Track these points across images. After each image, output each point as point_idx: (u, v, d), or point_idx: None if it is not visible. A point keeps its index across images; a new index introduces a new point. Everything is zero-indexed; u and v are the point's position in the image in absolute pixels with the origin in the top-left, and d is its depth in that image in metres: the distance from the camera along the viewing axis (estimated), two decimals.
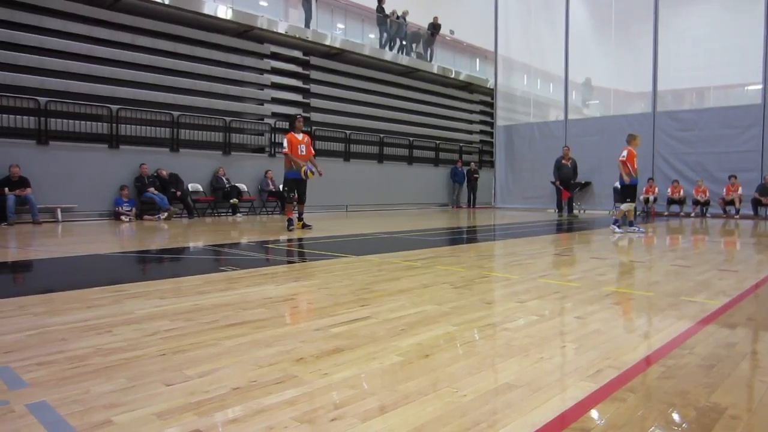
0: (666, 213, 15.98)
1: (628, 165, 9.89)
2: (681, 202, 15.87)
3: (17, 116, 11.42)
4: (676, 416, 2.00)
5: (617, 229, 9.88)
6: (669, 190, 15.99)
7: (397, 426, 1.87)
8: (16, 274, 5.59)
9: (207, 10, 14.33)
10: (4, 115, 11.25)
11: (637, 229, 10.01)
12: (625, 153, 9.98)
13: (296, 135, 9.60)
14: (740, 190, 14.85)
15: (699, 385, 2.30)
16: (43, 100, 11.74)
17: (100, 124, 12.59)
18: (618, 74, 18.62)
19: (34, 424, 1.84)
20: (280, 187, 15.22)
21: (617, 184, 16.38)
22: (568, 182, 15.59)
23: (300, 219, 9.93)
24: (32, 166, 11.27)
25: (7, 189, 10.61)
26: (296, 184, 9.62)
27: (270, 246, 7.83)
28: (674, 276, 5.22)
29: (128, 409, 1.98)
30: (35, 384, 2.22)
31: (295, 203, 9.78)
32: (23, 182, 10.89)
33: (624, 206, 10.08)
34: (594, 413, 2.02)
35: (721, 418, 1.97)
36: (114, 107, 12.75)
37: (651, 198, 16.12)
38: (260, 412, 1.97)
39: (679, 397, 2.16)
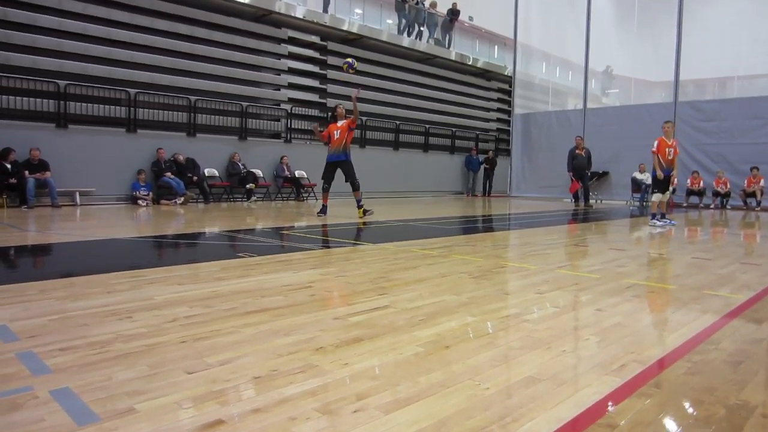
0: (685, 204, 15.76)
1: (658, 156, 9.38)
2: (701, 193, 15.64)
3: (37, 99, 11.50)
4: (705, 414, 1.96)
5: (658, 223, 9.39)
6: (688, 180, 15.74)
7: (420, 419, 1.85)
8: (37, 258, 5.65)
9: None
10: (24, 98, 11.33)
11: (668, 222, 9.62)
12: (655, 143, 9.44)
13: (336, 122, 9.41)
14: (762, 182, 14.60)
15: (727, 382, 2.25)
16: (62, 83, 11.80)
17: (118, 107, 12.64)
18: (639, 63, 18.34)
19: (58, 411, 1.85)
20: (296, 173, 15.28)
21: (636, 175, 16.24)
22: (582, 172, 15.37)
23: (359, 206, 9.55)
24: (51, 149, 11.35)
25: (27, 172, 10.72)
26: (332, 168, 9.45)
27: (286, 232, 7.84)
28: (696, 269, 5.14)
29: (151, 396, 1.98)
30: (58, 370, 2.23)
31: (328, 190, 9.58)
32: (43, 165, 10.99)
33: (654, 197, 9.72)
34: (620, 408, 1.99)
35: (752, 416, 1.93)
36: (132, 91, 12.78)
37: (670, 189, 15.88)
38: (282, 402, 1.96)
39: (707, 394, 2.12)
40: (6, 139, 10.77)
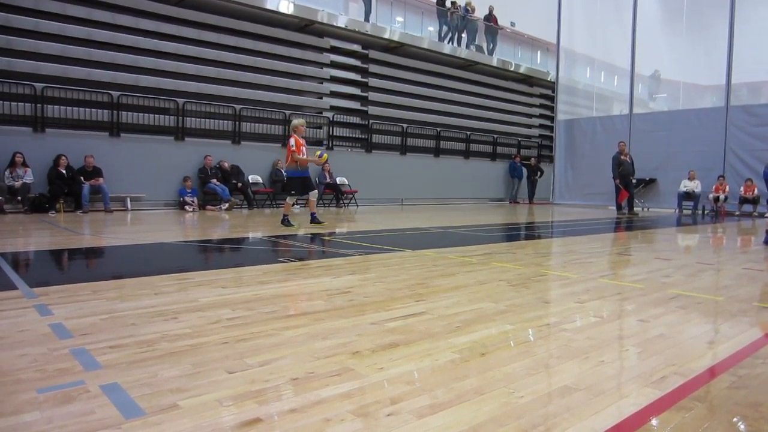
0: (737, 213, 15.18)
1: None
2: (755, 201, 15.03)
3: (92, 109, 12.03)
4: (749, 430, 1.91)
5: None
6: (741, 188, 15.16)
7: (452, 425, 1.87)
8: (91, 260, 5.90)
9: (269, 5, 14.61)
10: (81, 109, 11.87)
11: None
12: None
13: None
14: None
15: None
16: (115, 93, 12.31)
17: (167, 117, 13.09)
18: (689, 66, 17.74)
19: (107, 405, 1.95)
20: (337, 179, 15.44)
21: (685, 182, 15.72)
22: (628, 179, 14.88)
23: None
24: (105, 156, 11.86)
25: (82, 178, 11.22)
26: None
27: (326, 238, 7.94)
28: (747, 280, 4.97)
29: (193, 394, 2.06)
30: (108, 366, 2.34)
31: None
32: (97, 172, 11.49)
33: None
34: (658, 421, 1.96)
35: None
36: (180, 101, 13.21)
37: (721, 197, 15.36)
38: (318, 403, 2.01)
39: (751, 410, 2.06)
40: (63, 147, 11.30)
